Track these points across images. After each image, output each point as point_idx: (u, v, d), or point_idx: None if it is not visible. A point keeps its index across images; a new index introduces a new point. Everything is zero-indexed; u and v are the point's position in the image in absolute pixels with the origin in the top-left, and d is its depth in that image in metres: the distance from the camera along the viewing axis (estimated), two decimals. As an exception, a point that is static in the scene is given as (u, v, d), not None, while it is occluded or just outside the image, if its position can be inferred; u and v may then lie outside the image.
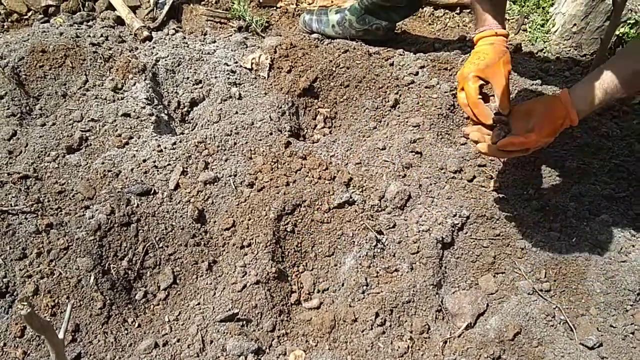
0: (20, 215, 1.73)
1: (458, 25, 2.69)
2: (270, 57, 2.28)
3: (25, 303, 0.84)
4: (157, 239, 1.76)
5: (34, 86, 2.09)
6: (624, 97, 1.64)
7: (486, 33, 1.68)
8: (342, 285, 1.77)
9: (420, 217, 1.86)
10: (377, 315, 1.66)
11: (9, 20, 2.51)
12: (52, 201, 1.79)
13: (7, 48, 2.19)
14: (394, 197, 1.87)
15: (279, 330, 1.66)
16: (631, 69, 1.44)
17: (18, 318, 1.58)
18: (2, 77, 2.05)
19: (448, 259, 1.82)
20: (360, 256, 1.77)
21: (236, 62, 2.27)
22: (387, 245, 1.81)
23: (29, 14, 2.53)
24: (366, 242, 1.78)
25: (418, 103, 2.18)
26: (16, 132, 1.94)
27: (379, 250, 1.79)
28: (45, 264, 1.66)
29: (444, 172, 1.98)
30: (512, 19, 2.76)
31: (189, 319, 1.66)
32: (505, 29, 1.71)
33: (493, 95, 1.63)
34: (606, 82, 1.47)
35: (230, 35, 2.42)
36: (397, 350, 1.62)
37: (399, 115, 2.16)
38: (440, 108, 2.16)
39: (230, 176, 1.91)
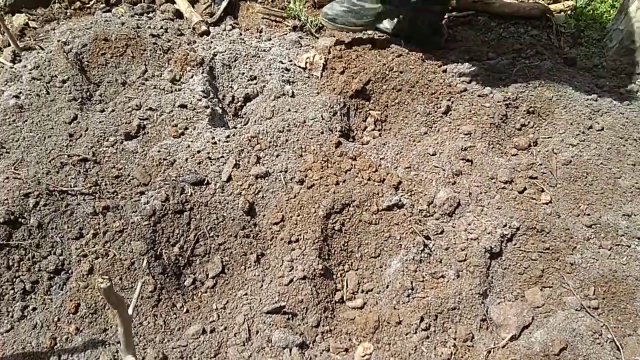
0: (78, 196, 1.78)
1: (512, 36, 2.67)
2: (324, 58, 2.30)
3: (106, 277, 0.87)
4: (208, 228, 1.80)
5: (95, 73, 2.16)
6: None
7: None
8: (387, 287, 1.77)
9: (469, 225, 1.85)
10: (422, 319, 1.66)
11: (72, 7, 2.59)
12: (109, 185, 1.84)
13: (71, 34, 2.26)
14: (443, 204, 1.87)
15: (323, 326, 1.67)
16: None
17: (73, 295, 1.63)
18: (65, 63, 2.12)
19: (495, 269, 1.81)
20: (407, 260, 1.77)
21: (290, 61, 2.30)
22: (434, 251, 1.81)
23: (91, 2, 2.61)
24: (413, 246, 1.78)
25: (470, 111, 2.18)
26: (77, 116, 2.01)
27: (425, 255, 1.79)
28: (100, 244, 1.71)
29: (494, 182, 1.97)
30: (568, 32, 2.73)
31: (236, 308, 1.69)
32: None
33: None
34: None
35: (285, 34, 2.45)
36: (440, 356, 1.62)
37: (450, 122, 2.16)
38: (493, 117, 2.15)
39: (280, 172, 1.93)
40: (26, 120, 1.97)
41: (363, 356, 0.88)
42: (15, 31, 2.41)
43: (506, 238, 1.84)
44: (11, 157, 1.86)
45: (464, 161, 2.01)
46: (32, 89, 2.05)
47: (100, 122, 1.98)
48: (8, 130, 1.94)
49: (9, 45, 2.34)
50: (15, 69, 2.19)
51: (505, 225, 1.84)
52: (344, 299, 1.78)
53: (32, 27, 2.48)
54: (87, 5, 2.58)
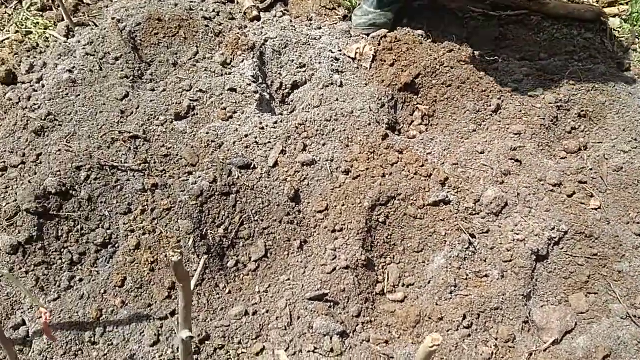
0: (128, 172, 1.80)
1: (565, 38, 2.61)
2: (374, 49, 2.28)
3: (178, 251, 0.88)
4: (253, 211, 1.80)
5: (148, 52, 2.18)
6: None
7: None
8: (429, 282, 1.76)
9: (516, 226, 1.83)
10: (464, 317, 1.64)
11: (126, -13, 2.62)
12: (158, 163, 1.86)
13: (126, 13, 2.29)
14: (491, 203, 1.85)
15: (363, 317, 1.67)
16: None
17: (120, 268, 1.65)
18: (119, 40, 2.14)
19: (540, 271, 1.79)
20: (451, 257, 1.76)
21: (340, 50, 2.29)
22: (479, 249, 1.79)
23: (145, -17, 2.63)
24: (459, 244, 1.77)
25: (520, 111, 2.15)
26: (128, 94, 2.03)
27: (470, 254, 1.77)
28: (148, 221, 1.73)
29: (543, 184, 1.94)
30: (622, 37, 2.67)
31: (279, 292, 1.69)
32: None
33: None
34: None
35: (335, 23, 2.44)
36: (481, 355, 1.60)
37: (499, 121, 2.13)
38: (544, 119, 2.11)
39: (326, 161, 1.93)
40: (79, 95, 2.00)
41: (431, 347, 0.87)
42: (70, 7, 2.45)
43: (554, 241, 1.81)
44: (64, 130, 1.89)
45: (513, 161, 1.98)
46: (86, 65, 2.08)
47: (151, 100, 2.00)
48: (61, 104, 1.97)
49: (63, 20, 2.38)
50: (69, 44, 2.23)
51: (553, 229, 1.80)
52: (385, 291, 1.77)
53: (85, 3, 2.51)
54: (141, -15, 2.60)
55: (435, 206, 1.83)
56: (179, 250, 0.89)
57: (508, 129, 2.10)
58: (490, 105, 2.16)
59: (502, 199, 1.86)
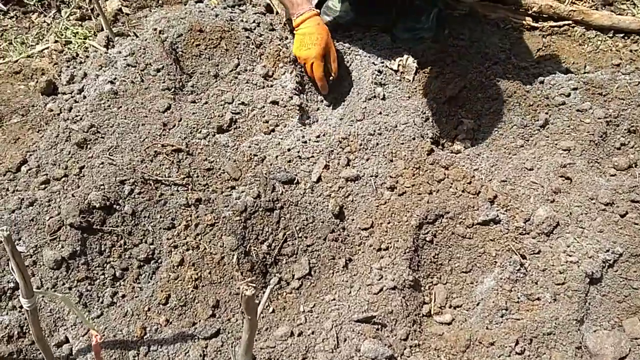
0: (172, 186, 1.78)
1: (610, 50, 2.54)
2: (418, 61, 2.24)
3: (252, 285, 0.85)
4: (297, 228, 1.77)
5: (189, 63, 2.16)
6: None
7: (309, 14, 2.02)
8: (478, 304, 1.71)
9: (569, 247, 1.76)
10: (516, 342, 1.59)
11: (164, -4, 2.61)
12: (201, 177, 1.83)
13: (167, 24, 2.27)
14: (542, 222, 1.79)
15: (411, 339, 1.62)
16: None
17: (163, 285, 1.63)
18: (161, 51, 2.12)
19: (594, 295, 1.72)
20: (502, 278, 1.70)
21: (382, 62, 2.25)
22: (530, 271, 1.73)
23: (183, -8, 2.61)
24: (509, 265, 1.71)
25: (569, 126, 2.08)
26: (170, 106, 2.01)
27: (521, 275, 1.72)
28: (192, 237, 1.71)
29: (595, 203, 1.87)
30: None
31: (324, 313, 1.65)
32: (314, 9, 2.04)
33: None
34: None
35: (377, 34, 2.40)
36: (535, 382, 1.54)
37: (547, 137, 2.07)
38: (593, 134, 2.05)
39: (371, 176, 1.89)
40: (120, 107, 1.99)
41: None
42: (109, 16, 2.44)
43: (608, 264, 1.74)
44: (106, 143, 1.88)
45: (563, 178, 1.92)
46: (127, 76, 2.07)
47: (193, 113, 1.97)
48: (103, 115, 1.95)
49: (102, 30, 2.37)
50: (110, 54, 2.22)
51: (607, 250, 1.74)
52: (432, 312, 1.72)
53: (125, 12, 2.51)
54: (182, -5, 2.59)
55: (484, 225, 1.78)
56: (253, 285, 0.86)
57: (557, 144, 2.04)
58: (537, 120, 2.10)
59: (554, 218, 1.80)
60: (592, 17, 2.59)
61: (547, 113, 2.12)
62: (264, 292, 1.69)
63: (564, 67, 2.39)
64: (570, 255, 1.74)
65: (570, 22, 2.61)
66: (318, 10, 2.08)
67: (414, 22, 2.35)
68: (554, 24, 2.61)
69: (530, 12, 2.60)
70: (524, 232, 1.80)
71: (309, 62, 2.04)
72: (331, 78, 2.12)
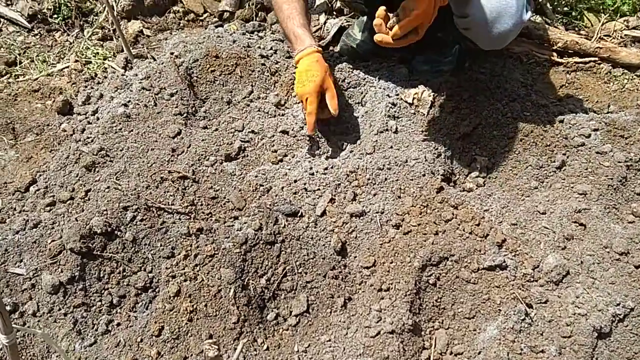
0: (174, 214, 1.77)
1: (637, 89, 2.46)
2: (433, 95, 2.20)
3: (215, 347, 0.82)
4: (297, 263, 1.74)
5: (203, 89, 2.16)
6: None
7: (308, 51, 1.96)
8: (479, 353, 1.65)
9: (578, 298, 1.69)
10: (516, 397, 1.52)
11: (185, 18, 2.64)
12: (205, 206, 1.82)
13: (184, 48, 2.29)
14: (551, 270, 1.72)
15: (407, 387, 1.57)
16: None
17: (158, 316, 1.61)
18: (175, 76, 2.14)
19: (601, 350, 1.64)
20: (505, 328, 1.64)
21: (397, 95, 2.21)
22: (536, 321, 1.67)
23: (204, 15, 2.64)
24: (514, 314, 1.65)
25: (587, 169, 2.01)
26: (181, 131, 2.01)
27: (526, 325, 1.65)
28: (190, 267, 1.69)
29: (609, 252, 1.79)
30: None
31: (318, 354, 1.62)
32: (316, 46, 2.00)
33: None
34: None
35: (393, 65, 2.37)
36: None
37: (564, 179, 2.00)
38: (612, 178, 1.97)
39: (377, 213, 1.85)
40: (132, 130, 2.00)
41: None
42: (130, 38, 2.48)
43: (618, 318, 1.66)
44: (114, 166, 1.89)
45: (577, 225, 1.85)
46: (141, 99, 2.08)
47: (202, 139, 1.97)
48: (114, 139, 1.97)
49: (122, 51, 2.40)
50: (126, 76, 2.24)
51: (618, 304, 1.66)
52: (431, 359, 1.66)
53: (145, 34, 2.54)
54: (200, 18, 2.62)
55: (490, 271, 1.72)
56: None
57: (572, 188, 1.97)
58: (554, 161, 2.04)
59: (564, 267, 1.73)
60: (619, 55, 2.51)
61: (564, 154, 2.05)
62: (259, 328, 1.67)
63: (586, 106, 2.32)
64: (578, 307, 1.67)
65: (596, 58, 2.54)
66: (319, 48, 2.00)
67: (434, 54, 2.32)
68: (579, 60, 2.55)
69: (555, 47, 2.54)
70: (531, 279, 1.73)
71: (304, 99, 1.93)
72: (330, 117, 2.00)
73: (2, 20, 2.50)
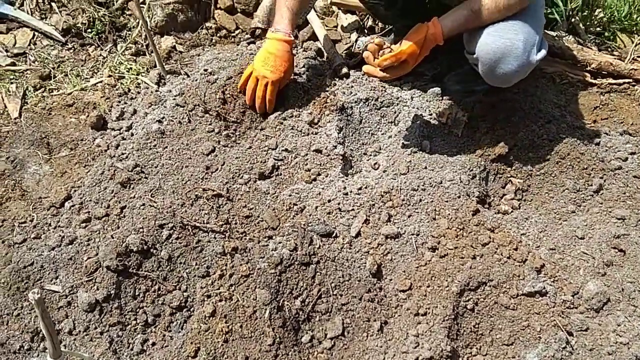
0: (210, 233, 1.77)
1: (673, 111, 2.43)
2: (467, 115, 2.18)
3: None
4: (332, 285, 1.72)
5: (236, 106, 2.16)
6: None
7: (279, 36, 2.01)
8: (518, 381, 1.62)
9: (619, 326, 1.66)
10: None
11: (218, 35, 2.65)
12: (239, 224, 1.82)
13: (217, 64, 2.29)
14: (592, 297, 1.69)
15: (445, 415, 1.54)
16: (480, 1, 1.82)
17: (194, 337, 1.60)
18: (209, 93, 2.14)
19: (645, 381, 1.61)
20: (546, 356, 1.60)
21: (431, 114, 2.20)
22: (576, 349, 1.63)
23: (236, 32, 2.65)
24: (555, 342, 1.62)
25: (624, 193, 1.98)
26: (214, 149, 2.01)
27: (567, 354, 1.62)
28: (225, 287, 1.68)
29: (649, 279, 1.76)
30: None
31: (355, 379, 1.59)
32: (293, 36, 2.05)
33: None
34: (471, 5, 1.84)
35: (426, 85, 2.36)
36: None
37: (601, 203, 1.97)
38: (650, 203, 1.94)
39: (412, 235, 1.83)
40: (166, 147, 2.00)
41: None
42: (163, 53, 2.48)
43: (661, 348, 1.62)
44: (149, 183, 1.89)
45: (616, 250, 1.82)
46: (175, 116, 2.09)
47: (236, 157, 1.97)
48: (148, 155, 1.97)
49: (155, 66, 2.41)
50: (160, 92, 2.25)
51: (662, 334, 1.63)
52: (469, 386, 1.63)
53: (178, 50, 2.55)
54: (232, 35, 2.62)
55: (529, 297, 1.69)
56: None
57: (610, 212, 1.94)
58: (591, 185, 2.01)
59: (605, 294, 1.70)
60: (654, 76, 2.48)
61: (601, 178, 2.02)
62: (294, 350, 1.64)
63: (621, 129, 2.28)
64: (620, 336, 1.64)
65: (630, 80, 2.51)
66: (293, 39, 2.08)
67: (466, 74, 2.30)
68: (613, 81, 2.52)
69: (588, 67, 2.52)
70: (571, 306, 1.70)
71: (263, 82, 2.03)
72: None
73: (36, 33, 2.52)
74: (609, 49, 2.69)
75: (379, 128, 2.17)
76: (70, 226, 1.80)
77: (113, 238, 1.70)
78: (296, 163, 1.99)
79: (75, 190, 1.91)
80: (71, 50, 2.54)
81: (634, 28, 2.71)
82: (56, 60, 2.46)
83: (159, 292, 1.68)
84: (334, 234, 1.80)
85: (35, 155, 2.05)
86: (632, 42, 2.66)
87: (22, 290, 1.62)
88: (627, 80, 2.51)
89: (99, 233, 1.76)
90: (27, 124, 2.14)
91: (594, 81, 2.51)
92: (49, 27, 2.53)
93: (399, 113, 2.19)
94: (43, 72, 2.38)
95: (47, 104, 2.26)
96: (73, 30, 2.53)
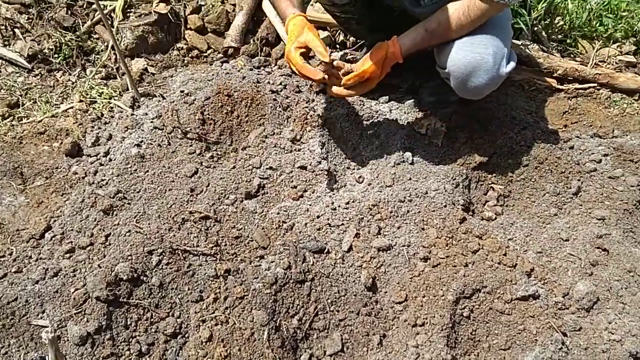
0: (200, 256, 1.73)
1: (637, 113, 2.52)
2: (446, 125, 2.21)
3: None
4: (328, 301, 1.71)
5: (216, 126, 2.13)
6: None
7: (289, 18, 1.95)
8: (519, 385, 1.63)
9: (610, 323, 1.70)
10: None
11: (189, 55, 2.62)
12: (229, 246, 1.79)
13: (193, 85, 2.27)
14: (582, 298, 1.73)
15: None
16: (437, 20, 1.85)
17: (192, 364, 1.56)
18: (188, 114, 2.11)
19: (639, 376, 1.64)
20: (543, 358, 1.63)
21: (410, 126, 2.22)
22: (572, 349, 1.66)
23: (209, 51, 2.62)
24: (551, 343, 1.64)
25: (602, 194, 2.04)
26: (197, 170, 1.98)
27: (563, 354, 1.65)
28: (220, 310, 1.65)
29: (633, 276, 1.81)
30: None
31: (359, 395, 1.58)
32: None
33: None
34: (426, 25, 1.87)
35: (402, 97, 2.38)
36: None
37: (581, 205, 2.03)
38: (627, 203, 2.01)
39: (403, 246, 1.84)
40: (147, 171, 1.96)
41: None
42: (135, 76, 2.44)
43: (653, 343, 1.67)
44: (133, 209, 1.84)
45: (600, 250, 1.87)
46: (154, 139, 2.05)
47: (221, 178, 1.94)
48: (130, 180, 1.92)
49: (128, 90, 2.37)
50: (136, 115, 2.20)
51: (652, 329, 1.67)
52: (470, 393, 1.64)
53: (150, 72, 2.51)
54: (205, 54, 2.60)
55: (523, 300, 1.72)
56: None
57: (591, 213, 1.99)
58: (570, 187, 2.07)
59: (594, 293, 1.74)
60: (617, 80, 2.58)
61: (579, 180, 2.08)
62: (295, 370, 1.62)
63: (591, 131, 2.36)
64: (612, 333, 1.68)
65: (595, 84, 2.60)
66: (299, 12, 1.96)
67: (439, 86, 2.34)
68: (579, 86, 2.60)
69: (555, 74, 2.60)
70: (563, 307, 1.74)
71: (286, 58, 1.93)
72: (320, 64, 1.93)
73: (0, 61, 2.44)
74: (571, 55, 2.78)
75: (360, 142, 2.18)
76: (53, 257, 1.73)
77: (101, 267, 1.64)
78: (282, 180, 1.98)
79: (55, 220, 1.84)
80: (38, 77, 2.46)
81: (594, 34, 2.81)
82: (23, 87, 2.38)
83: (152, 319, 1.63)
84: (326, 250, 1.79)
85: (9, 186, 1.98)
86: (593, 48, 2.76)
87: (8, 327, 1.54)
88: (592, 85, 2.60)
89: (85, 263, 1.70)
90: (-2, 154, 2.06)
91: (561, 87, 2.59)
92: (13, 54, 2.46)
93: (379, 126, 2.21)
94: (10, 100, 2.31)
95: (17, 132, 2.18)
96: (39, 56, 2.46)
